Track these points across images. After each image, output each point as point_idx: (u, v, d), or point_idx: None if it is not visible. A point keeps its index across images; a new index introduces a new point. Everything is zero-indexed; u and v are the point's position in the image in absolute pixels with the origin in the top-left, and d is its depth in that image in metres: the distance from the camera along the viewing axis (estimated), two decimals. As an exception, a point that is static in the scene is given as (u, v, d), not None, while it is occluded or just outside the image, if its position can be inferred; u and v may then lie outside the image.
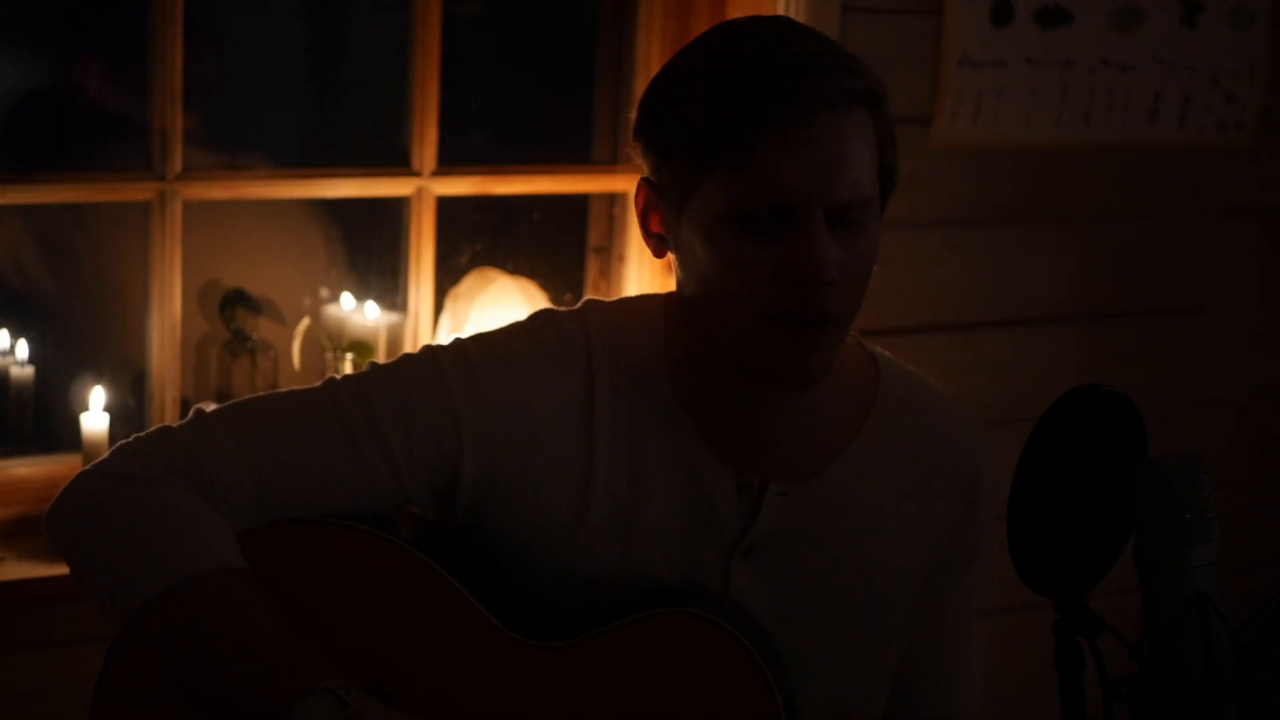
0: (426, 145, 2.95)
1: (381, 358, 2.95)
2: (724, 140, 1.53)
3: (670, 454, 1.66)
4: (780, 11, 2.91)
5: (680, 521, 1.66)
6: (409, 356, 1.68)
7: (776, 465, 1.67)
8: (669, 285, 1.69)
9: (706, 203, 1.56)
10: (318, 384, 1.67)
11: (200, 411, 1.65)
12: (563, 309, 1.72)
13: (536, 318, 1.71)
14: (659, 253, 1.65)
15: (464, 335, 1.72)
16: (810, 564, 1.69)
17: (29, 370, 2.85)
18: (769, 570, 1.68)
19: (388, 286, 3.03)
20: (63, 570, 2.54)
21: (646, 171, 1.62)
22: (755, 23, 1.61)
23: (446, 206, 3.00)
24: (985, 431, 1.76)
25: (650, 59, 3.07)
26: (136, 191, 2.77)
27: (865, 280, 1.59)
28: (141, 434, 1.65)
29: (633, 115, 1.64)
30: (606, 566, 1.66)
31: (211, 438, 1.61)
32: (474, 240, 3.11)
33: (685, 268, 1.62)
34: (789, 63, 1.54)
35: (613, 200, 3.17)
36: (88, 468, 1.63)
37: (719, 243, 1.56)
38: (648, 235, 1.65)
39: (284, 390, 1.68)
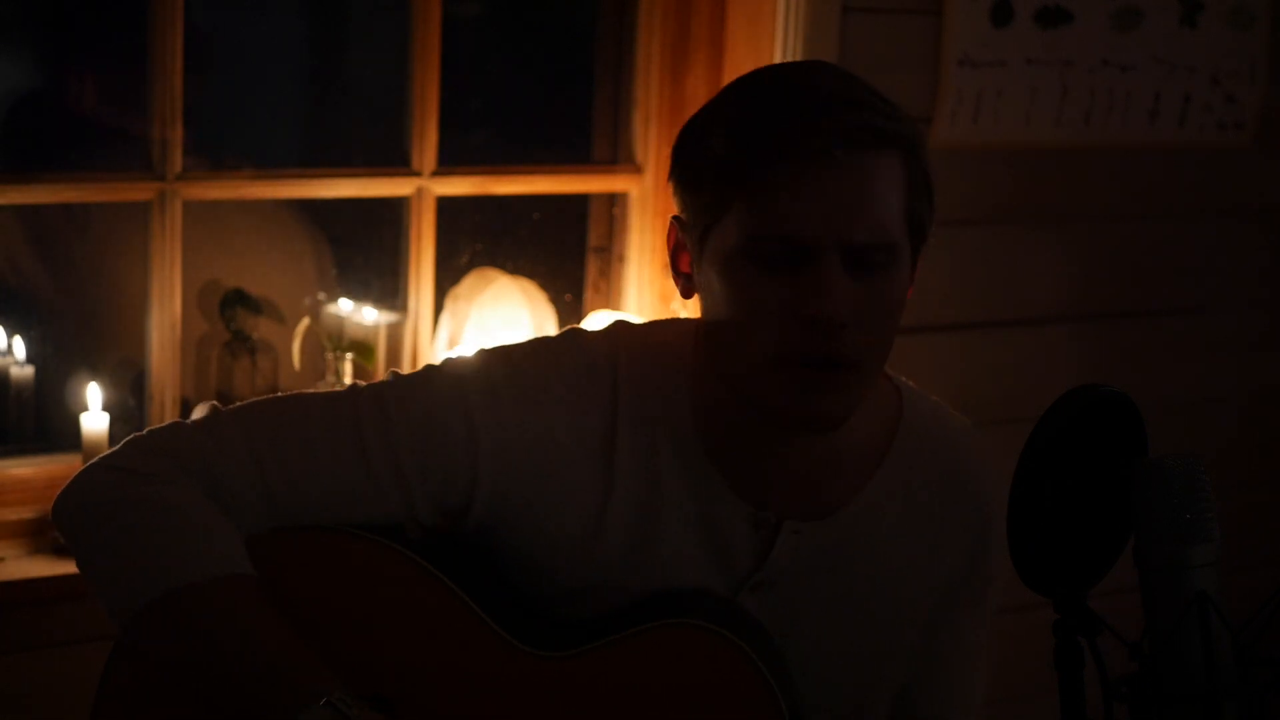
0: (426, 145, 2.95)
1: (381, 358, 2.95)
2: (742, 171, 1.52)
3: (687, 486, 1.65)
4: (780, 14, 2.91)
5: (692, 553, 1.65)
6: (433, 372, 1.65)
7: (792, 502, 1.66)
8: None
9: (725, 237, 1.55)
10: (338, 390, 1.65)
11: (216, 409, 1.63)
12: (591, 331, 1.70)
13: (565, 339, 1.69)
14: (686, 293, 1.63)
15: (488, 347, 1.68)
16: (818, 598, 1.68)
17: (29, 370, 2.85)
18: (776, 603, 1.67)
19: (388, 286, 3.03)
20: (63, 570, 2.56)
21: (677, 209, 1.61)
22: (798, 65, 1.62)
23: (446, 206, 3.00)
24: (999, 472, 1.74)
25: (650, 59, 3.07)
26: (136, 192, 2.76)
27: (890, 327, 1.56)
28: (155, 428, 1.63)
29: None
30: (614, 583, 1.65)
31: (224, 438, 1.60)
32: (474, 240, 3.11)
33: (705, 306, 1.60)
34: (816, 98, 1.53)
35: (613, 200, 3.17)
36: (97, 459, 1.62)
37: (734, 279, 1.54)
38: (677, 275, 1.63)
39: (303, 393, 1.66)
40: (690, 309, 1.68)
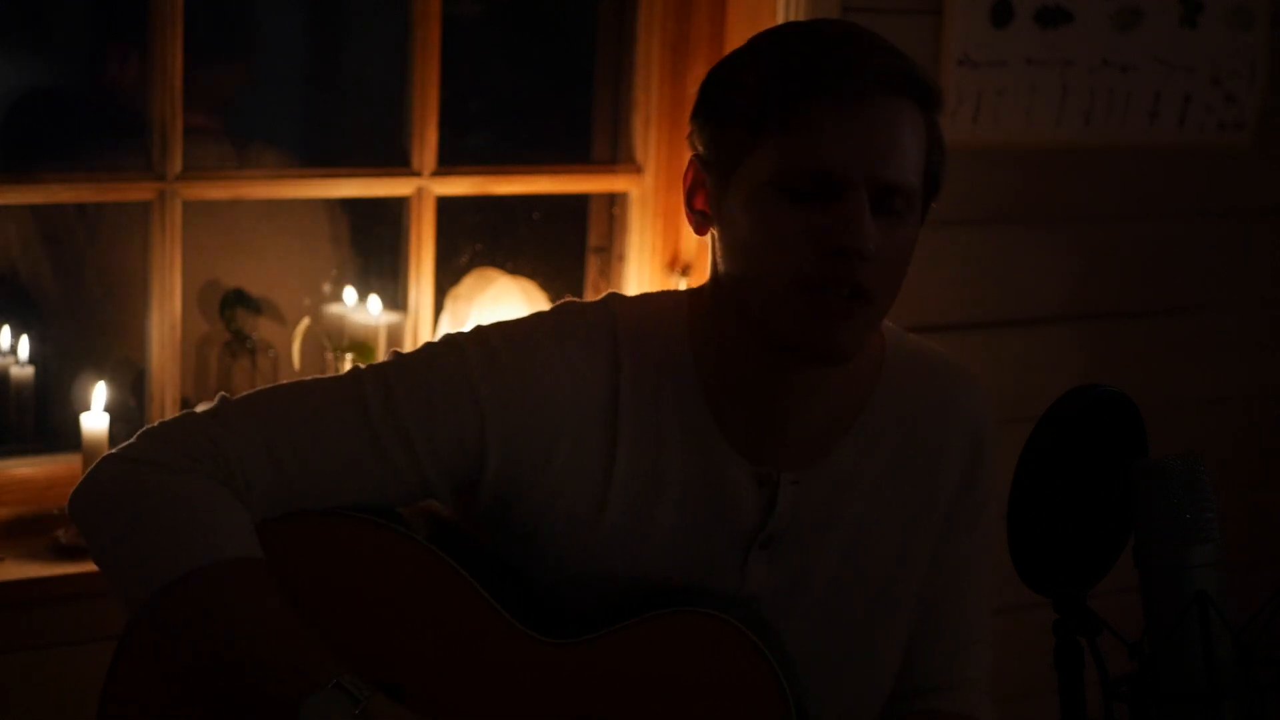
0: (426, 145, 2.95)
1: (381, 358, 2.95)
2: (778, 105, 1.57)
3: (691, 446, 1.66)
4: (780, 12, 2.91)
5: (699, 515, 1.67)
6: (432, 346, 1.67)
7: (788, 454, 1.68)
8: (672, 287, 1.68)
9: (755, 169, 1.58)
10: (342, 373, 1.67)
11: (225, 398, 1.65)
12: (586, 301, 1.72)
13: (561, 308, 1.71)
14: (700, 229, 1.66)
15: (486, 324, 1.71)
16: (824, 547, 1.69)
17: (29, 370, 2.85)
18: (784, 558, 1.69)
19: (388, 286, 3.03)
20: (62, 570, 2.55)
21: (699, 148, 1.64)
22: (827, 20, 1.68)
23: (446, 206, 3.00)
24: (989, 391, 1.77)
25: (650, 59, 3.06)
26: (137, 191, 2.76)
27: (901, 270, 1.61)
28: (168, 419, 1.65)
29: (690, 104, 1.67)
30: (623, 560, 1.66)
31: (233, 425, 1.61)
32: (474, 240, 3.11)
33: (725, 242, 1.63)
34: (851, 43, 1.59)
35: (613, 200, 3.17)
36: (113, 451, 1.63)
37: (763, 210, 1.58)
38: (691, 212, 1.66)
39: (310, 379, 1.68)
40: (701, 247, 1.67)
